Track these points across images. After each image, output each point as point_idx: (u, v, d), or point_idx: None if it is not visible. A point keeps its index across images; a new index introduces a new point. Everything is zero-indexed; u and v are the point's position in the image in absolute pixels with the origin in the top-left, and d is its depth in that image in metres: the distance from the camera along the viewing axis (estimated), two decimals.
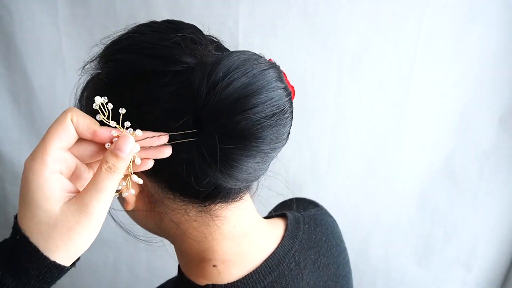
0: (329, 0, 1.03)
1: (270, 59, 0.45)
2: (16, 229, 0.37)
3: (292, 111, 0.43)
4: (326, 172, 1.21)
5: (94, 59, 0.47)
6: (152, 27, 0.46)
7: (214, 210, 0.47)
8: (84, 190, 0.38)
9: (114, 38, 0.46)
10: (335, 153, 1.19)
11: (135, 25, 0.47)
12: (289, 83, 0.44)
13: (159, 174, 0.44)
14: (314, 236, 0.58)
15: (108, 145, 0.40)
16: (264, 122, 0.39)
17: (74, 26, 1.09)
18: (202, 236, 0.48)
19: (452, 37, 1.05)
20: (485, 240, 1.25)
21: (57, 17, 1.08)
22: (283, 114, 0.41)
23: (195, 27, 0.47)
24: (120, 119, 0.40)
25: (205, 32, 0.48)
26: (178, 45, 0.41)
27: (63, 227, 0.37)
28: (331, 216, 0.66)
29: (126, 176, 0.42)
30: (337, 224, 0.66)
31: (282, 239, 0.54)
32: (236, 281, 0.48)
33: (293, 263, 0.52)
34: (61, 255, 0.38)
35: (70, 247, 0.38)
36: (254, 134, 0.39)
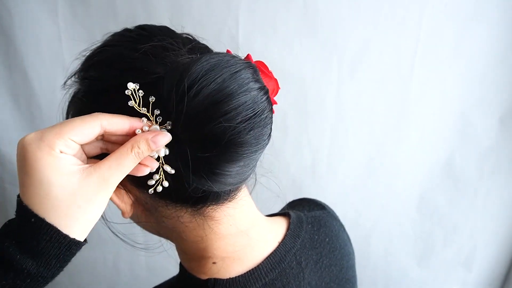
0: (329, 0, 1.03)
1: (247, 57, 0.44)
2: (27, 211, 0.36)
3: (270, 109, 0.42)
4: (326, 172, 1.21)
5: (73, 74, 0.47)
6: (123, 36, 0.46)
7: (207, 212, 0.47)
8: (105, 165, 0.38)
9: (89, 52, 0.47)
10: (335, 154, 1.19)
11: (110, 34, 0.47)
12: (270, 77, 0.43)
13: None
14: (316, 237, 0.57)
15: (139, 131, 0.40)
16: (238, 127, 0.38)
17: (74, 26, 1.09)
18: (199, 238, 0.48)
19: (452, 37, 1.05)
20: (485, 240, 1.25)
21: (57, 17, 1.08)
22: (259, 116, 0.40)
23: (167, 30, 0.47)
24: (150, 107, 0.40)
25: (181, 30, 0.48)
26: (147, 55, 0.41)
27: (82, 199, 0.37)
28: (338, 220, 0.65)
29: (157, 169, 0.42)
30: (344, 229, 0.65)
31: (284, 237, 0.53)
32: (238, 276, 0.48)
33: (294, 262, 0.52)
34: (79, 230, 0.38)
35: (86, 221, 0.38)
36: (230, 141, 0.38)
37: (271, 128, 0.43)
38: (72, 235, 0.37)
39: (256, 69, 0.41)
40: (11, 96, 1.15)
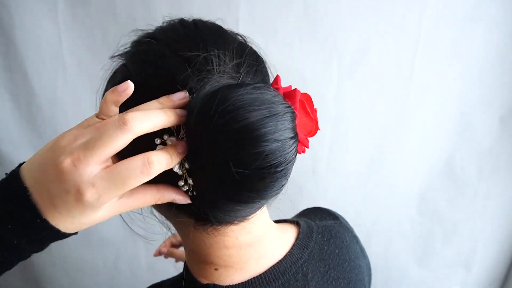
0: (329, 0, 1.03)
1: (293, 92, 0.40)
2: (35, 212, 0.35)
3: (291, 161, 0.38)
4: (326, 172, 1.21)
5: (121, 54, 0.45)
6: (173, 32, 0.43)
7: (211, 230, 0.46)
8: (121, 203, 0.37)
9: (141, 36, 0.45)
10: (335, 153, 1.19)
11: (166, 21, 0.45)
12: (311, 118, 0.40)
13: None
14: (326, 248, 0.56)
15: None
16: (248, 174, 0.35)
17: (74, 26, 1.09)
18: (202, 244, 0.48)
19: (452, 37, 1.05)
20: (485, 240, 1.25)
21: (57, 17, 1.08)
22: (275, 168, 0.36)
23: (221, 33, 0.44)
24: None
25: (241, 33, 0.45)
26: (186, 63, 0.39)
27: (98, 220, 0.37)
28: (350, 232, 0.63)
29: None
30: (357, 241, 0.63)
31: (292, 248, 0.52)
32: (238, 284, 0.48)
33: (300, 274, 0.51)
34: (73, 229, 0.38)
35: (83, 225, 0.37)
36: (234, 184, 0.36)
37: (287, 179, 0.40)
38: (73, 231, 0.37)
39: (294, 114, 0.38)
40: (11, 96, 1.15)
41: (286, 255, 0.51)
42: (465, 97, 1.11)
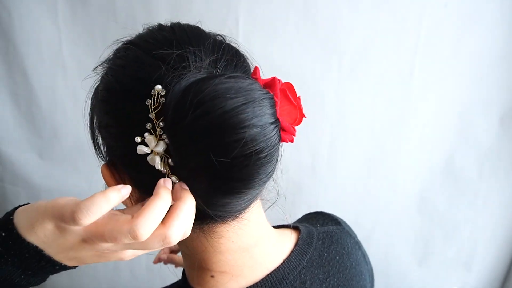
0: (329, 0, 1.03)
1: (272, 79, 0.40)
2: (36, 250, 0.37)
3: (275, 147, 0.38)
4: (326, 172, 1.21)
5: (103, 62, 0.46)
6: (149, 36, 0.43)
7: (208, 227, 0.45)
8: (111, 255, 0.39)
9: (120, 44, 0.45)
10: (335, 153, 1.19)
11: (146, 27, 0.45)
12: (294, 106, 0.40)
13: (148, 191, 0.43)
14: (326, 254, 0.54)
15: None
16: (229, 162, 0.35)
17: (74, 26, 1.09)
18: (198, 249, 0.47)
19: (452, 37, 1.05)
20: (485, 240, 1.25)
21: (57, 17, 1.08)
22: (257, 155, 0.36)
23: (197, 33, 0.44)
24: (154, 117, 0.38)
25: (220, 31, 0.45)
26: (162, 63, 0.39)
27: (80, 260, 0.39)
28: (352, 237, 0.62)
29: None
30: (358, 247, 0.62)
31: (290, 254, 0.51)
32: None
33: (298, 281, 0.50)
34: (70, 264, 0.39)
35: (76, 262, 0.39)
36: (217, 175, 0.36)
37: (273, 166, 0.39)
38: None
39: (273, 100, 0.38)
40: (11, 96, 1.15)
41: (283, 261, 0.50)
42: (465, 97, 1.11)
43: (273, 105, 0.38)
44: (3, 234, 0.37)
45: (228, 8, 1.05)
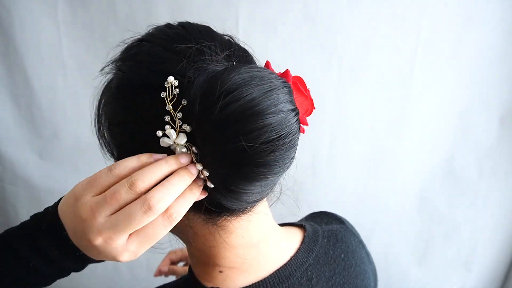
0: (329, 0, 1.03)
1: (285, 72, 0.41)
2: (70, 245, 0.40)
3: (297, 133, 0.40)
4: (326, 172, 1.21)
5: (111, 62, 0.46)
6: (162, 33, 0.44)
7: (220, 221, 0.46)
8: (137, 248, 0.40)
9: (129, 43, 0.46)
10: (335, 154, 1.19)
11: (153, 27, 0.46)
12: (306, 96, 0.42)
13: None
14: (331, 252, 0.56)
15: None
16: (259, 148, 0.36)
17: (74, 26, 1.09)
18: (207, 247, 0.48)
19: (452, 37, 1.05)
20: (485, 240, 1.25)
21: (57, 17, 1.08)
22: (283, 139, 0.37)
23: (208, 31, 0.45)
24: (172, 109, 0.39)
25: (224, 32, 0.46)
26: (180, 57, 0.40)
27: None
28: (356, 236, 0.63)
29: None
30: (362, 246, 0.63)
31: (297, 251, 0.52)
32: (241, 287, 0.48)
33: (304, 278, 0.51)
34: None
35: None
36: (249, 161, 0.37)
37: (295, 151, 0.41)
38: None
39: (291, 89, 0.39)
40: (11, 96, 1.15)
41: (291, 258, 0.51)
42: (465, 97, 1.11)
43: (292, 93, 0.39)
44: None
45: (228, 8, 1.05)
